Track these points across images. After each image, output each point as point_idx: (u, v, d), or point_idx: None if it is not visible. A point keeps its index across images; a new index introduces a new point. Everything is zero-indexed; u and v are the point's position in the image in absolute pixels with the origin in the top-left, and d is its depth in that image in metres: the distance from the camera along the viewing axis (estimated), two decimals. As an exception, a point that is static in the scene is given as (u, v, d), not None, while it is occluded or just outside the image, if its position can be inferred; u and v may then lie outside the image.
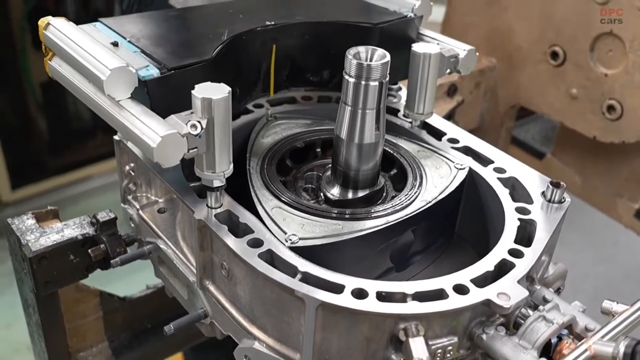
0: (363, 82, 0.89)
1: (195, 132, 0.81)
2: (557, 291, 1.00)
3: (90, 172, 3.74)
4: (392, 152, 1.06)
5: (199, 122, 0.81)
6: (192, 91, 0.81)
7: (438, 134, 1.12)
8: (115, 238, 1.09)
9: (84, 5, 3.48)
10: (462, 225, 1.08)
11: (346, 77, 0.90)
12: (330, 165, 1.02)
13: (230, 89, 0.82)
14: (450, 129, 1.12)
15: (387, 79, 0.90)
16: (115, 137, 1.05)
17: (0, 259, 2.96)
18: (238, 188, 0.95)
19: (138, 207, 1.08)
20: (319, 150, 1.10)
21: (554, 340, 0.80)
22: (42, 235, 1.07)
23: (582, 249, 3.54)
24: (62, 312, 1.20)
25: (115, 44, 0.93)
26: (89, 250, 1.07)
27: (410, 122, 1.14)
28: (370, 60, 0.88)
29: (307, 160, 1.09)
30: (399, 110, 1.17)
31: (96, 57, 0.85)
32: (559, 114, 1.53)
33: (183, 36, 0.99)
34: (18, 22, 3.24)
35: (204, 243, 0.90)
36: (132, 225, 1.10)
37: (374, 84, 0.89)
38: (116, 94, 0.84)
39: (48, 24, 0.95)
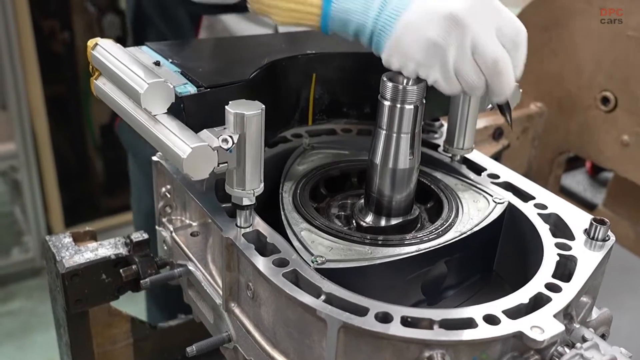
0: (398, 105, 0.88)
1: (226, 147, 0.81)
2: (601, 337, 0.94)
3: (141, 215, 3.80)
4: (429, 184, 1.03)
5: (230, 136, 0.81)
6: (226, 106, 0.82)
7: (478, 169, 1.09)
8: (148, 259, 1.08)
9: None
10: (500, 264, 1.04)
11: (381, 100, 0.89)
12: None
13: (263, 106, 0.82)
14: (491, 165, 1.09)
15: (423, 103, 0.89)
16: (154, 158, 1.06)
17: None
18: (272, 220, 0.94)
19: (172, 229, 1.08)
20: (354, 179, 1.08)
21: (592, 381, 0.74)
22: (76, 253, 1.08)
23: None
24: (93, 335, 1.20)
25: (157, 64, 0.95)
26: (121, 270, 1.07)
27: (450, 157, 1.11)
28: (407, 84, 0.87)
29: (342, 189, 1.08)
30: (439, 146, 1.15)
31: (136, 73, 0.87)
32: (609, 162, 1.48)
33: (225, 60, 1.01)
34: (84, 66, 3.39)
35: (231, 263, 0.89)
36: (165, 247, 1.10)
37: (409, 107, 0.87)
38: (153, 108, 0.85)
39: (96, 44, 0.99)
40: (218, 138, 0.81)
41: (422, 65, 0.84)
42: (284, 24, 0.92)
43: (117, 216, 3.72)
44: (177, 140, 0.81)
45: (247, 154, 0.83)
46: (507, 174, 1.06)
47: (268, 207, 0.97)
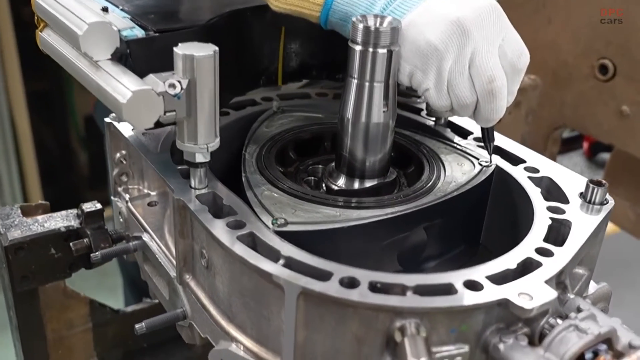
0: (370, 50, 0.78)
1: (173, 92, 0.72)
2: (599, 314, 0.85)
3: (127, 210, 3.70)
4: (409, 147, 0.94)
5: (179, 81, 0.72)
6: (175, 48, 0.72)
7: (464, 133, 1.00)
8: (101, 232, 0.99)
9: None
10: (488, 236, 0.94)
11: (352, 45, 0.80)
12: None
13: (217, 48, 0.73)
14: (478, 128, 1.00)
15: (398, 49, 0.79)
16: (106, 120, 0.97)
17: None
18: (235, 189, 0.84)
19: (127, 198, 0.98)
20: (327, 143, 0.99)
21: (588, 355, 0.65)
22: (22, 225, 0.99)
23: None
24: (47, 319, 1.10)
25: (105, 9, 0.86)
26: (71, 244, 0.98)
27: (434, 120, 1.02)
28: (379, 25, 0.78)
29: (313, 154, 0.98)
30: (422, 110, 1.06)
31: (77, 15, 0.78)
32: (608, 135, 1.39)
33: (184, 8, 0.92)
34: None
35: (184, 229, 0.79)
36: (121, 219, 1.01)
37: (382, 51, 0.78)
38: (94, 53, 0.76)
39: (40, -9, 0.89)
40: (164, 83, 0.72)
41: (417, 69, 0.80)
42: (280, 9, 0.86)
43: (102, 210, 3.63)
44: (118, 85, 0.72)
45: (199, 103, 0.73)
46: (496, 138, 0.97)
47: (233, 175, 0.87)
